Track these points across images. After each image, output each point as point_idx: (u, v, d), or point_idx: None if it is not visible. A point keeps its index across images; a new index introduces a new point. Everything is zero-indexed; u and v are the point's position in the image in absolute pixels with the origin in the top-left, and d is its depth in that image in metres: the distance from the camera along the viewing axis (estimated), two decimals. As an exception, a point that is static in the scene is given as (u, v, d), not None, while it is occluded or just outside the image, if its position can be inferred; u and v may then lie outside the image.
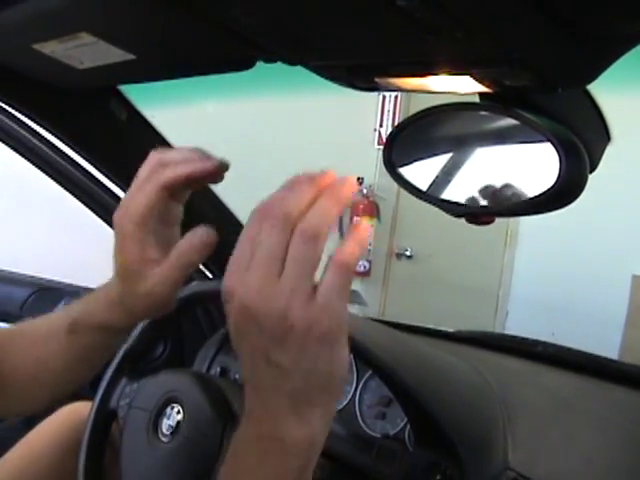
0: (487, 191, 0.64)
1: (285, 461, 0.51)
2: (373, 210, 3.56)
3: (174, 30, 0.63)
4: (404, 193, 0.68)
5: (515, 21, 0.45)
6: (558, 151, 0.54)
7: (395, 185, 0.68)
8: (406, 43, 0.51)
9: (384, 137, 3.57)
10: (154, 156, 0.62)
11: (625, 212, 3.16)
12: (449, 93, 0.62)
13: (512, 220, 3.63)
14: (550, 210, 0.57)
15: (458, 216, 0.66)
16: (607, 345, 2.88)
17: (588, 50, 0.49)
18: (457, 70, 0.53)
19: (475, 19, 0.45)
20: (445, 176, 0.67)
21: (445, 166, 0.67)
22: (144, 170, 0.62)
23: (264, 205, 0.51)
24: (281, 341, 0.49)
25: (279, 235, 0.49)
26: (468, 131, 0.66)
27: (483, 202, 0.64)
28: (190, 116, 4.24)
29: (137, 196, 0.61)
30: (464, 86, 0.58)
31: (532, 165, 0.59)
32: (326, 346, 0.49)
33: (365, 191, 3.56)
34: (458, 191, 0.65)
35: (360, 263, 3.47)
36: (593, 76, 0.52)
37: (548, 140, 0.55)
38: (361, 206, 3.52)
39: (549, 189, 0.55)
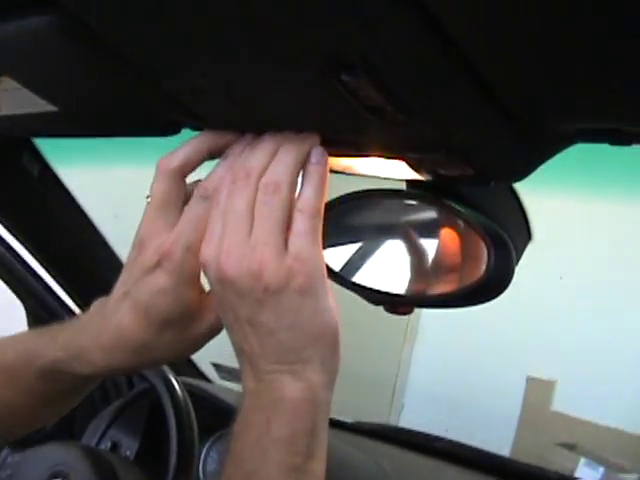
0: (408, 280, 0.62)
1: (292, 422, 0.49)
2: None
3: (102, 85, 0.60)
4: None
5: (459, 109, 0.45)
6: (487, 245, 0.53)
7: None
8: (343, 120, 0.50)
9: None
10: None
11: (523, 315, 3.24)
12: (377, 178, 0.61)
13: (414, 313, 3.66)
14: (474, 304, 0.56)
15: (376, 304, 0.64)
16: (499, 443, 2.90)
17: (526, 145, 0.48)
18: (392, 153, 0.52)
19: (420, 103, 0.44)
20: (366, 262, 0.65)
21: (366, 252, 0.66)
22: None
23: (230, 170, 0.52)
24: (261, 301, 0.48)
25: (244, 196, 0.49)
26: (393, 218, 0.65)
27: (403, 291, 0.62)
28: (104, 178, 4.14)
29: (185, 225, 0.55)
30: (395, 171, 0.57)
31: (457, 257, 0.58)
32: (307, 297, 0.48)
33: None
34: (378, 278, 0.63)
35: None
36: (527, 172, 0.52)
37: (477, 233, 0.54)
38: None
39: (476, 282, 0.54)
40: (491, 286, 0.54)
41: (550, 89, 0.41)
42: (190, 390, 0.92)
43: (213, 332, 0.58)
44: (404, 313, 0.62)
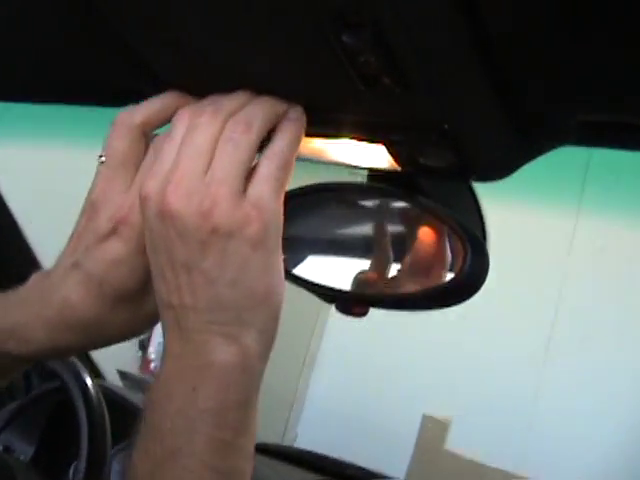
0: (367, 278, 0.59)
1: (222, 392, 0.43)
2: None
3: (55, 35, 0.54)
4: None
5: (461, 91, 0.42)
6: (463, 244, 0.51)
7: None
8: (330, 90, 0.46)
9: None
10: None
11: (421, 351, 3.27)
12: (344, 165, 0.57)
13: (314, 341, 3.65)
14: (443, 306, 0.53)
15: (329, 302, 0.60)
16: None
17: (519, 141, 0.46)
18: (376, 134, 0.49)
19: (421, 78, 0.41)
20: (322, 258, 0.61)
21: (321, 248, 0.62)
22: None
23: (193, 105, 0.47)
24: (205, 244, 0.42)
25: (207, 130, 0.44)
26: (353, 213, 0.61)
27: (361, 289, 0.59)
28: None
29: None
30: (368, 159, 0.54)
31: (425, 256, 0.55)
32: (259, 250, 0.43)
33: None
34: (333, 275, 0.60)
35: (156, 365, 3.29)
36: (510, 171, 0.50)
37: (454, 232, 0.52)
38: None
39: (448, 283, 0.51)
40: (465, 287, 0.51)
41: (560, 73, 0.39)
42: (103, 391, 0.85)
43: None
44: (359, 314, 0.58)
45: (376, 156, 0.53)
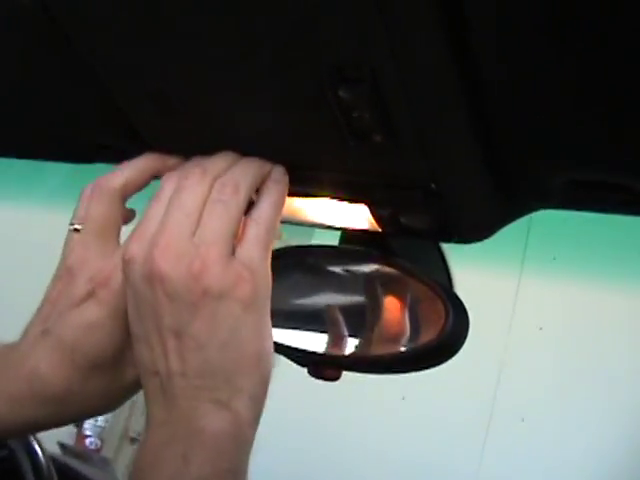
0: (340, 340, 0.58)
1: (214, 460, 0.41)
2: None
3: (37, 85, 0.53)
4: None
5: (452, 150, 0.43)
6: (445, 305, 0.50)
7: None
8: (319, 146, 0.46)
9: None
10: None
11: (359, 432, 3.23)
12: (319, 226, 0.57)
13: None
14: (421, 368, 0.52)
15: (302, 365, 0.58)
16: None
17: (502, 202, 0.47)
18: (358, 193, 0.49)
19: (414, 134, 0.41)
20: (294, 321, 0.60)
21: (296, 311, 0.61)
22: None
23: (179, 169, 0.47)
24: (196, 306, 0.41)
25: (195, 192, 0.44)
26: (328, 276, 0.61)
27: (334, 352, 0.58)
28: None
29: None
30: (345, 219, 0.54)
31: (401, 318, 0.55)
32: (250, 312, 0.42)
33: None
34: (305, 338, 0.59)
35: (92, 440, 3.16)
36: (490, 233, 0.50)
37: (434, 293, 0.51)
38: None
39: (429, 343, 0.50)
40: (446, 347, 0.50)
41: (549, 134, 0.40)
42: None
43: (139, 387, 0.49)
44: (331, 379, 0.57)
45: (354, 216, 0.53)
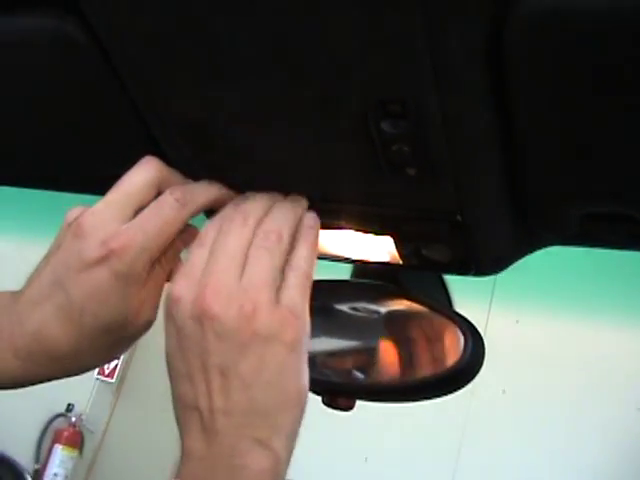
0: (357, 370, 0.60)
1: None
2: (78, 441, 3.23)
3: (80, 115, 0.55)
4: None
5: (482, 186, 0.46)
6: (464, 333, 0.53)
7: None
8: (355, 179, 0.49)
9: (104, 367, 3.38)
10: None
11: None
12: (338, 260, 0.59)
13: None
14: (440, 394, 0.55)
15: (316, 393, 0.60)
16: None
17: (522, 235, 0.50)
18: (386, 226, 0.51)
19: (449, 170, 0.45)
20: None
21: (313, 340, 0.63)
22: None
23: (220, 213, 0.49)
24: (245, 347, 0.43)
25: (240, 236, 0.46)
26: (344, 309, 0.63)
27: (349, 381, 0.60)
28: None
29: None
30: (366, 252, 0.57)
31: (419, 346, 0.57)
32: (293, 354, 0.45)
33: (74, 419, 3.25)
34: (320, 367, 0.61)
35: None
36: (506, 266, 0.54)
37: (453, 323, 0.54)
38: (65, 434, 3.18)
39: (449, 370, 0.53)
40: (466, 373, 0.53)
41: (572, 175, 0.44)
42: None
43: (147, 327, 0.51)
44: (345, 408, 0.59)
45: (370, 249, 0.56)
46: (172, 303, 0.46)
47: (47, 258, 0.50)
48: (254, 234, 0.47)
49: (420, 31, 0.37)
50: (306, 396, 0.47)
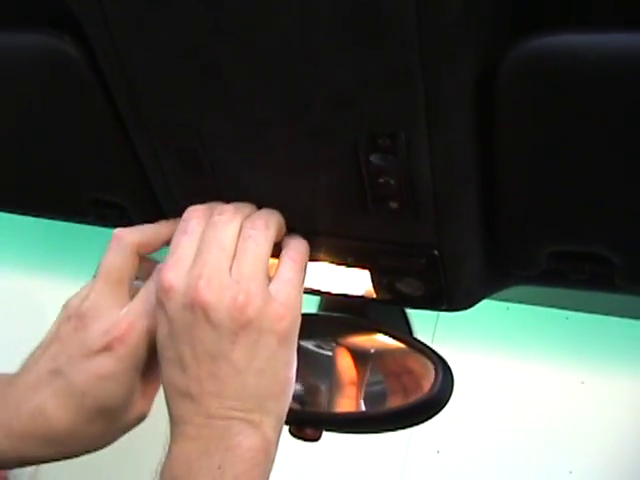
0: (323, 398, 0.61)
1: (250, 472, 0.44)
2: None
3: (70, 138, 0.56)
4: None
5: (462, 223, 0.49)
6: (434, 364, 0.55)
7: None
8: (338, 211, 0.51)
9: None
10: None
11: None
12: (309, 292, 0.61)
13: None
14: (410, 424, 0.56)
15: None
16: None
17: (493, 272, 0.53)
18: (365, 259, 0.53)
19: (431, 205, 0.47)
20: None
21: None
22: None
23: (203, 206, 0.50)
24: (237, 336, 0.45)
25: (229, 227, 0.48)
26: (309, 340, 0.65)
27: (317, 410, 0.61)
28: None
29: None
30: (339, 285, 0.58)
31: (388, 376, 0.59)
32: (284, 345, 0.47)
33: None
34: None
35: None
36: (475, 302, 0.56)
37: (423, 355, 0.56)
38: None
39: (419, 400, 0.55)
40: (438, 402, 0.55)
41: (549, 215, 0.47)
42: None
43: (141, 419, 0.52)
44: (311, 439, 0.60)
45: (347, 282, 0.58)
46: (163, 292, 0.47)
47: (46, 347, 0.52)
48: (242, 226, 0.49)
49: (418, 71, 0.40)
50: (292, 385, 0.49)
